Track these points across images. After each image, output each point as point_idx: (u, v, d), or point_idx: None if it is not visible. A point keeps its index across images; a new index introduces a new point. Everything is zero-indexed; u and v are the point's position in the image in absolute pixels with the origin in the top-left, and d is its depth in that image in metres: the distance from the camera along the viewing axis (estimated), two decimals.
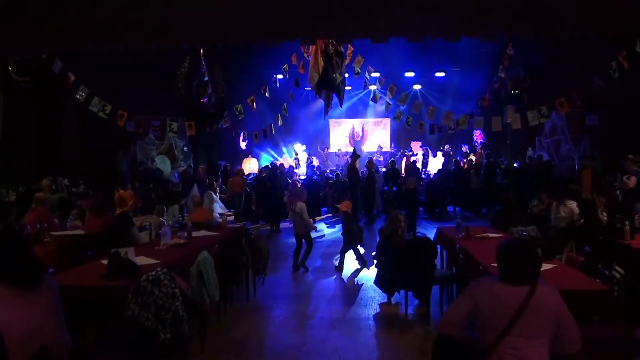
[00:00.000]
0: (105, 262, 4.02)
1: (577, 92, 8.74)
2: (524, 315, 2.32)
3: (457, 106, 14.05)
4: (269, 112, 14.25)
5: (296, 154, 18.10)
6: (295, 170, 15.72)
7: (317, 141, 19.10)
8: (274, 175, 11.78)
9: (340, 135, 19.63)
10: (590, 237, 5.22)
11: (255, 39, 3.45)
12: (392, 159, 15.65)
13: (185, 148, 16.72)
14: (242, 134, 13.57)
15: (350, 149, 16.10)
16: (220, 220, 7.58)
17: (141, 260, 4.32)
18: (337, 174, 13.69)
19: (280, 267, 7.47)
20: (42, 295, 2.33)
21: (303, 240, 7.33)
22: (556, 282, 3.09)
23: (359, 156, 12.82)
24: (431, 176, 14.57)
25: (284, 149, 18.85)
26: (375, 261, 5.94)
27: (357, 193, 11.96)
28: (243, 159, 17.65)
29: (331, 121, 19.58)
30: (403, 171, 13.99)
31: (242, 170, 13.49)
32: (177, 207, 9.26)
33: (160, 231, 5.50)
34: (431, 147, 17.34)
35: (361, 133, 19.08)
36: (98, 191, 9.27)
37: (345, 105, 18.00)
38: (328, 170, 15.87)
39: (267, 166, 12.56)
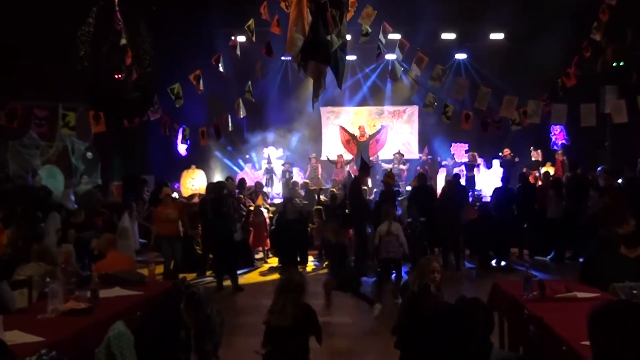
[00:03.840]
0: None
1: None
2: None
3: (524, 88, 14.20)
4: (225, 97, 14.29)
5: (268, 163, 18.11)
6: (265, 190, 15.64)
7: (302, 143, 19.18)
8: (220, 198, 11.32)
9: (337, 133, 19.66)
10: None
11: None
12: (422, 170, 15.70)
13: (89, 154, 16.67)
14: (181, 131, 13.56)
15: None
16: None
17: (14, 336, 4.29)
18: (332, 194, 13.59)
19: (240, 346, 7.41)
20: None
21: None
22: None
23: (370, 168, 12.82)
24: (485, 199, 14.66)
25: (248, 156, 18.90)
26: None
27: (366, 227, 11.90)
28: (182, 172, 17.62)
29: (324, 110, 19.68)
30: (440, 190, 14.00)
31: (169, 195, 11.79)
32: (72, 247, 9.18)
33: (47, 289, 5.46)
34: (484, 154, 17.46)
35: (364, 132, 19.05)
36: None
37: (347, 85, 18.17)
38: (319, 190, 15.85)
39: (212, 184, 11.98)
